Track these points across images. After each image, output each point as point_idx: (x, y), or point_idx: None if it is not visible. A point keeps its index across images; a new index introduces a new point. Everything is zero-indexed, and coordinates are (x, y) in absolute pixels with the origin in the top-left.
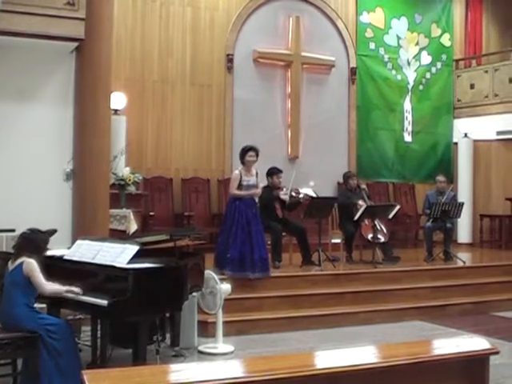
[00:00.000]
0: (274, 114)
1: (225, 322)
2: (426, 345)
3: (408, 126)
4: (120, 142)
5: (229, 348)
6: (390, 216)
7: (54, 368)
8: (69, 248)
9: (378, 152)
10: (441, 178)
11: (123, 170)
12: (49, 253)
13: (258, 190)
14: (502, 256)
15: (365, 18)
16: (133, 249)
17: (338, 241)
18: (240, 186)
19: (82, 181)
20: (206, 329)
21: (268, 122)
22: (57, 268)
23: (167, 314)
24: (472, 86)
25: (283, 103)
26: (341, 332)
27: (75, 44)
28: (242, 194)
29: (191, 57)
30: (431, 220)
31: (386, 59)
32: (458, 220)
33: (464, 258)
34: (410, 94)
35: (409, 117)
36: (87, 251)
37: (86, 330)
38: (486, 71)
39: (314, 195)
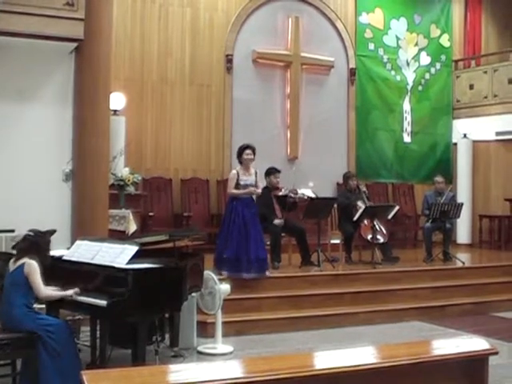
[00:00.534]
0: (274, 114)
1: (224, 323)
2: (426, 345)
3: (407, 127)
4: (119, 142)
5: (228, 348)
6: (390, 216)
7: (53, 368)
8: (68, 248)
9: (377, 152)
10: (439, 178)
11: (122, 170)
12: None
13: (258, 190)
14: (501, 256)
15: (364, 18)
16: (132, 249)
17: (338, 241)
18: (238, 186)
19: (81, 181)
20: (206, 329)
21: (267, 123)
22: (56, 268)
23: (166, 315)
24: (471, 87)
25: (282, 104)
26: (340, 332)
27: (74, 44)
28: (238, 193)
29: (190, 57)
30: (430, 220)
31: (386, 60)
32: (458, 220)
33: (463, 258)
34: (409, 94)
35: (408, 117)
36: (86, 251)
37: (86, 330)
38: (485, 72)
39: (314, 196)
